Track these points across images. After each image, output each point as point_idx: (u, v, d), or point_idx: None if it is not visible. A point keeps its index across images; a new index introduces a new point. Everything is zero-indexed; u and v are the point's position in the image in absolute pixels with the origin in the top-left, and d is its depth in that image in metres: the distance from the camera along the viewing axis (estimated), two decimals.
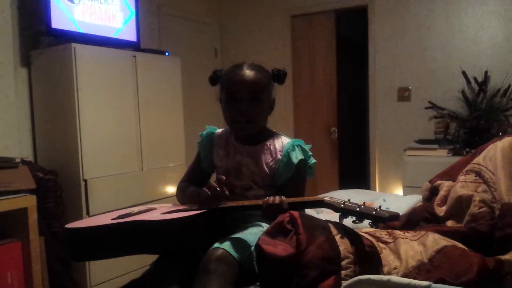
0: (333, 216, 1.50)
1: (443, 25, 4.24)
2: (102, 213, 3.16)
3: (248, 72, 1.67)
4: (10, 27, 2.94)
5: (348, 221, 1.42)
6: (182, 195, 1.84)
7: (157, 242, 1.52)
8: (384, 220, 1.32)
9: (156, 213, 1.62)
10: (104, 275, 3.23)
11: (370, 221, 1.35)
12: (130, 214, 1.63)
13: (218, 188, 1.54)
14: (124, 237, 1.52)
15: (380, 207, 1.34)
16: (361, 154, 5.67)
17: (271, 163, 1.71)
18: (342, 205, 1.40)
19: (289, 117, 5.09)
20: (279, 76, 1.75)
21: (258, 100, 1.67)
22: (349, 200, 1.41)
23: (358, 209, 1.36)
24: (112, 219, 1.59)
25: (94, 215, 3.17)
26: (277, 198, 1.49)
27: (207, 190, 1.56)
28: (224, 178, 1.56)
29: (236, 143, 1.78)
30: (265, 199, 1.50)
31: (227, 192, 1.55)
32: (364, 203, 1.38)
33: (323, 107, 5.01)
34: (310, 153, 1.74)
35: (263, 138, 1.76)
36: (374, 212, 1.33)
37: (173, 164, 3.87)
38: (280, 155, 1.71)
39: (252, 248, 1.47)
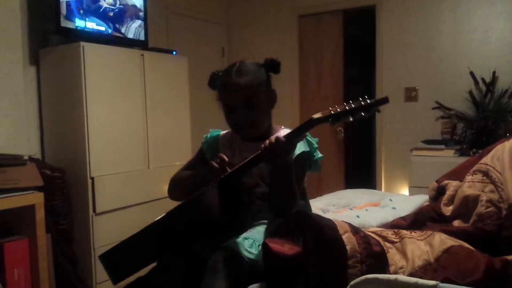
0: (340, 215, 1.51)
1: (451, 25, 4.22)
2: (109, 210, 3.23)
3: (238, 80, 1.63)
4: (19, 25, 2.95)
5: (353, 220, 1.42)
6: (180, 183, 1.84)
7: (182, 229, 1.55)
8: (376, 103, 1.37)
9: None
10: None
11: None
12: None
13: (218, 166, 1.55)
14: (154, 238, 1.57)
15: (365, 97, 1.39)
16: (367, 154, 5.65)
17: None
18: (332, 112, 1.44)
19: (295, 116, 5.08)
20: (273, 67, 1.72)
21: (254, 105, 1.65)
22: (336, 107, 1.45)
23: (347, 108, 1.41)
24: None
25: (101, 212, 3.22)
26: (272, 138, 1.48)
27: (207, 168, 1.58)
28: (224, 156, 1.57)
29: (241, 141, 1.79)
30: (261, 145, 1.49)
31: (228, 169, 1.55)
32: (350, 102, 1.42)
33: (330, 106, 4.98)
34: (316, 145, 1.73)
35: (268, 134, 1.74)
36: (363, 103, 1.38)
37: (179, 162, 3.86)
38: None
39: (260, 247, 1.47)
